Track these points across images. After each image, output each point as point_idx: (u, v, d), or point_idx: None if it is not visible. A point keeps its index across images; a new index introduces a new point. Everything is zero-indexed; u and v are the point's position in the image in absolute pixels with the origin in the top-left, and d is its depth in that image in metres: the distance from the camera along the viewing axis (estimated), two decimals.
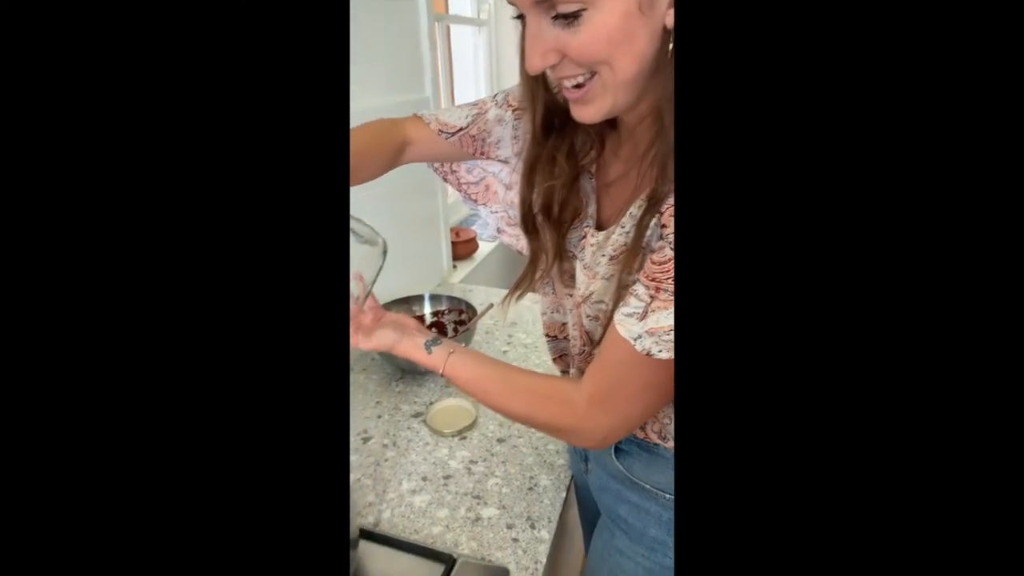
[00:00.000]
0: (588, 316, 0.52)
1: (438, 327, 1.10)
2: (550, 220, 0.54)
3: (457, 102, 1.24)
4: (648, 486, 0.59)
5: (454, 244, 1.52)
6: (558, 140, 0.52)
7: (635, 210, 0.46)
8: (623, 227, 0.47)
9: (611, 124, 0.52)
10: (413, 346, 0.56)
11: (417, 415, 0.90)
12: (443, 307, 1.14)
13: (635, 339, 0.42)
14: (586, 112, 0.43)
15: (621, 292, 0.45)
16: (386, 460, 0.81)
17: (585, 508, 0.82)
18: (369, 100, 1.05)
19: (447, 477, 0.77)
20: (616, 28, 0.38)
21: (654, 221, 0.44)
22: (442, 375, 0.55)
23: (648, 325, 0.42)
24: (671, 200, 0.42)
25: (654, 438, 0.58)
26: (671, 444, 0.57)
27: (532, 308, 1.26)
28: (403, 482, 0.76)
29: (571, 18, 0.38)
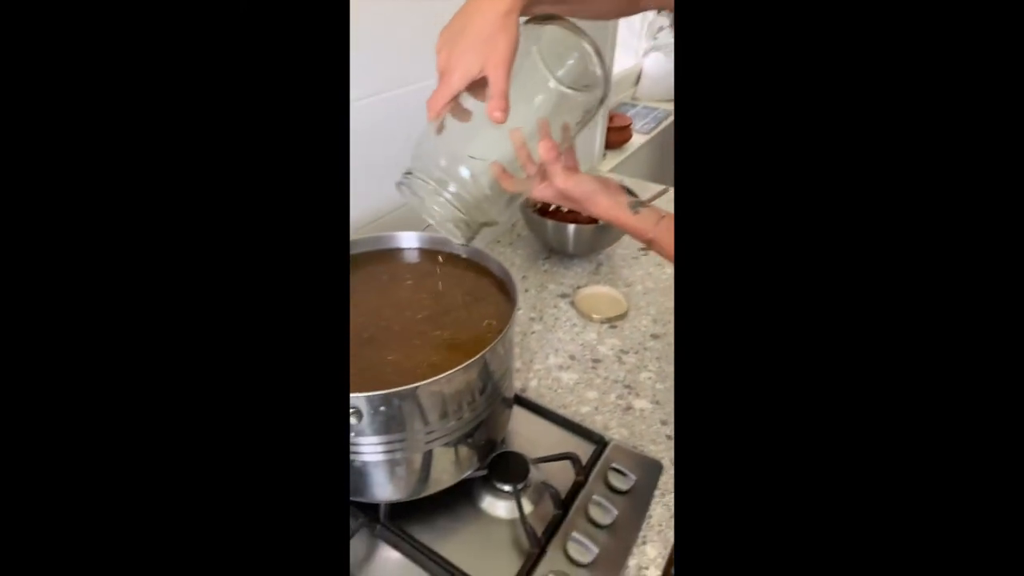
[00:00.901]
0: None
1: None
2: None
3: None
4: None
5: (608, 130, 1.40)
6: None
7: None
8: None
9: None
10: (615, 204, 0.49)
11: (563, 296, 0.86)
12: None
13: None
14: None
15: None
16: (533, 332, 0.78)
17: None
18: None
19: (596, 361, 0.73)
20: None
21: None
22: (648, 240, 0.48)
23: None
24: None
25: None
26: None
27: None
28: (549, 356, 0.74)
29: None
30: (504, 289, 0.57)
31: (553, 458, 0.56)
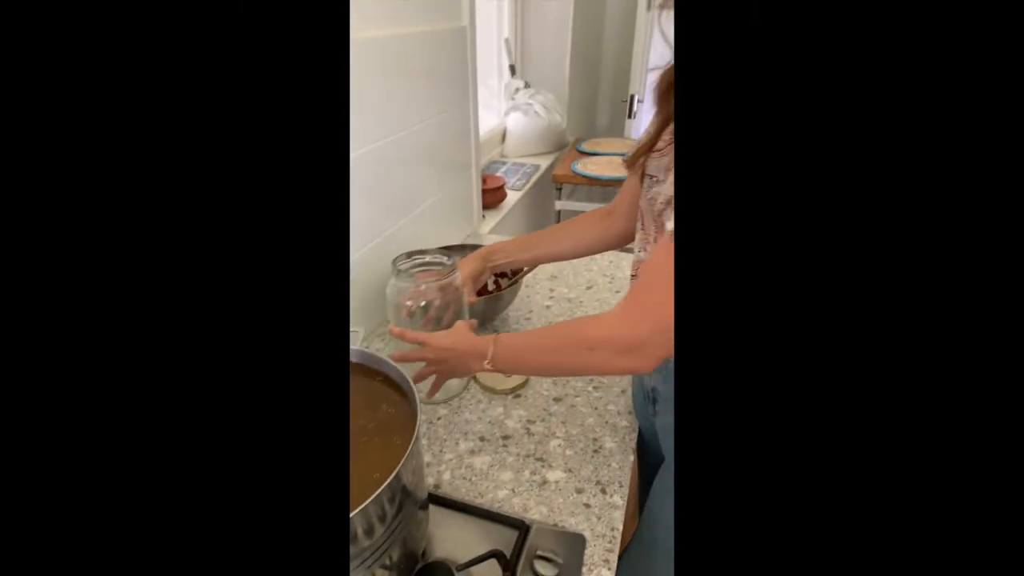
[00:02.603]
0: None
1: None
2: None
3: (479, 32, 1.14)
4: None
5: (483, 192, 1.44)
6: None
7: None
8: None
9: None
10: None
11: None
12: None
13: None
14: None
15: None
16: (439, 419, 0.76)
17: (647, 455, 0.81)
18: (407, 28, 0.95)
19: (506, 438, 0.73)
20: None
21: None
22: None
23: None
24: None
25: None
26: None
27: (573, 264, 1.20)
28: (460, 442, 0.72)
29: None
30: (402, 390, 0.56)
31: (478, 560, 0.55)
